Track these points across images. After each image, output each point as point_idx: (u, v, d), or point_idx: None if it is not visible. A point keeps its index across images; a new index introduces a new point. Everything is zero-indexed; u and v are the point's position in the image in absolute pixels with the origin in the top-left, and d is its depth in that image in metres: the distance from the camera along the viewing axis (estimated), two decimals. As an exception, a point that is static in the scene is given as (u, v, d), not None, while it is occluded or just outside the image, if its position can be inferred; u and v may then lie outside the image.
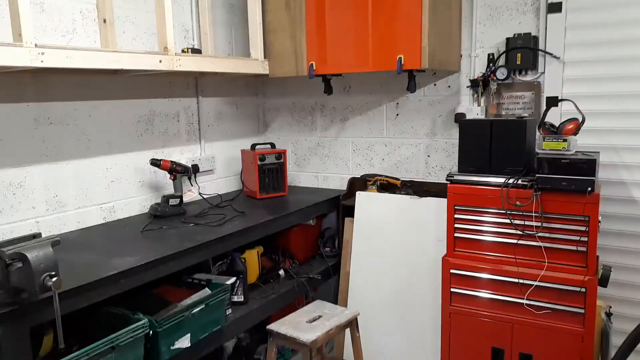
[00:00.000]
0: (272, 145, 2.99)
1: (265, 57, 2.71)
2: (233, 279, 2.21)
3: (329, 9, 2.46)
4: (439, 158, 2.74)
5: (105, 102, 2.34)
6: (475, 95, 2.57)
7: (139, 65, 1.96)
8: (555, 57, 2.34)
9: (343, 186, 3.00)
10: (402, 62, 2.28)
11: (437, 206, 2.46)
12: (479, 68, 2.57)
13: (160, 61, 2.06)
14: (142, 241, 2.03)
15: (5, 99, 1.96)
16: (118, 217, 2.41)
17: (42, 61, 1.64)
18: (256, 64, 2.65)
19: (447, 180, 2.22)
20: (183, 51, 2.42)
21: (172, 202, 2.45)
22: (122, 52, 1.89)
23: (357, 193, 2.75)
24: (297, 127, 3.21)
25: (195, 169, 2.69)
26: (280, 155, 2.89)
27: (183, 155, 2.77)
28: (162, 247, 1.89)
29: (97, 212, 2.32)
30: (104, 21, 2.28)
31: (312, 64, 2.55)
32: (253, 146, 2.91)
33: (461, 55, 2.61)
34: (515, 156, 2.13)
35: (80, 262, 1.74)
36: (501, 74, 2.45)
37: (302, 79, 2.81)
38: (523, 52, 2.40)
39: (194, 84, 2.81)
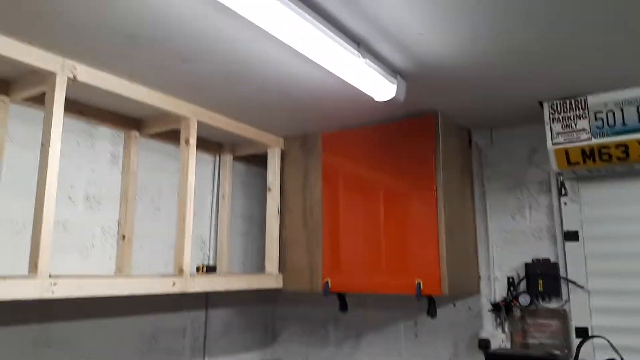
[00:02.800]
0: (281, 363, 2.78)
1: (280, 271, 2.67)
2: None
3: (343, 230, 2.49)
4: (463, 387, 2.50)
5: (109, 320, 2.24)
6: (499, 320, 2.44)
7: (152, 290, 1.91)
8: (579, 285, 2.27)
9: (357, 413, 2.70)
10: (421, 288, 2.21)
11: None
12: (499, 291, 2.49)
13: (174, 284, 2.01)
14: None
15: (6, 322, 1.87)
16: None
17: (52, 292, 1.59)
18: (270, 279, 2.60)
19: None
20: (198, 269, 2.39)
21: None
22: (135, 278, 1.85)
23: None
24: (308, 340, 3.02)
25: (196, 391, 2.45)
26: (290, 375, 2.66)
27: (184, 374, 2.56)
28: None
29: None
30: (123, 237, 2.30)
31: (327, 281, 2.49)
32: (260, 364, 2.70)
33: (479, 277, 2.55)
34: (552, 399, 1.91)
35: None
36: (524, 300, 2.36)
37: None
38: (545, 278, 2.35)
39: (204, 296, 2.73)
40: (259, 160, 3.16)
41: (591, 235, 2.30)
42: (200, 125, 2.32)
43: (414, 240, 2.28)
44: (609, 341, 2.01)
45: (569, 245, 2.32)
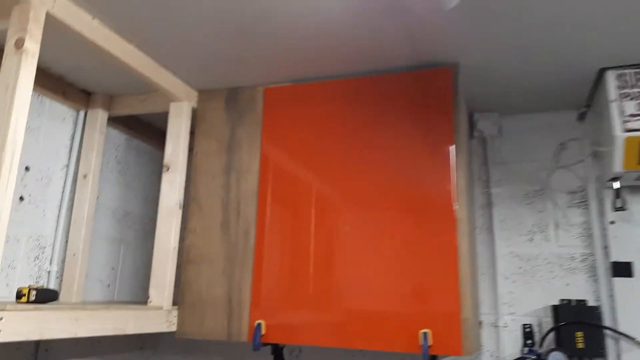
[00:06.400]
0: None
1: (175, 304, 1.61)
2: None
3: (293, 242, 1.52)
4: None
5: None
6: (512, 392, 1.64)
7: None
8: (636, 341, 1.55)
9: None
10: (429, 344, 1.32)
11: None
12: (510, 344, 1.69)
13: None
14: None
15: None
16: None
17: None
18: (157, 317, 1.53)
19: None
20: (20, 294, 1.25)
21: None
22: None
23: None
24: (203, 410, 1.96)
25: None
26: None
27: None
28: None
29: None
30: None
31: (259, 325, 1.48)
32: None
33: (480, 322, 1.74)
34: None
35: None
36: (556, 362, 1.58)
37: (229, 340, 1.70)
38: (585, 329, 1.60)
39: (32, 347, 1.56)
40: (147, 131, 2.10)
41: (651, 269, 1.61)
42: (54, 30, 1.23)
43: (419, 265, 1.39)
44: None
45: (619, 282, 1.61)
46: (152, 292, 1.58)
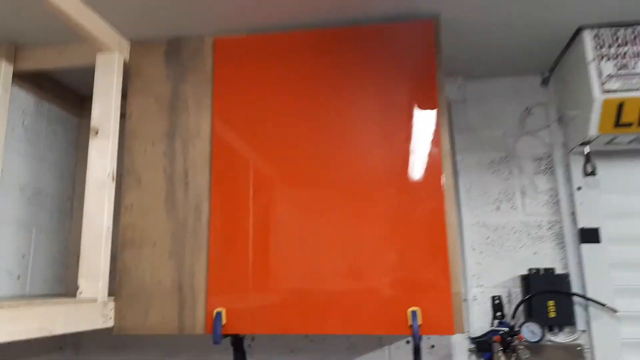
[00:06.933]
0: None
1: (110, 294, 1.34)
2: None
3: (254, 216, 1.32)
4: None
5: None
6: (485, 366, 1.56)
7: None
8: (610, 308, 1.53)
9: None
10: (419, 323, 1.19)
11: None
12: (480, 319, 1.62)
13: None
14: None
15: None
16: None
17: None
18: (91, 312, 1.26)
19: None
20: None
21: None
22: None
23: None
24: (140, 415, 1.70)
25: None
26: None
27: None
28: None
29: None
30: None
31: (219, 314, 1.27)
32: None
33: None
34: None
35: None
36: (531, 332, 1.52)
37: (175, 334, 1.46)
38: (556, 298, 1.56)
39: None
40: (62, 93, 1.76)
41: (617, 235, 1.59)
42: None
43: (404, 237, 1.25)
44: None
45: (587, 248, 1.58)
46: (82, 282, 1.31)
